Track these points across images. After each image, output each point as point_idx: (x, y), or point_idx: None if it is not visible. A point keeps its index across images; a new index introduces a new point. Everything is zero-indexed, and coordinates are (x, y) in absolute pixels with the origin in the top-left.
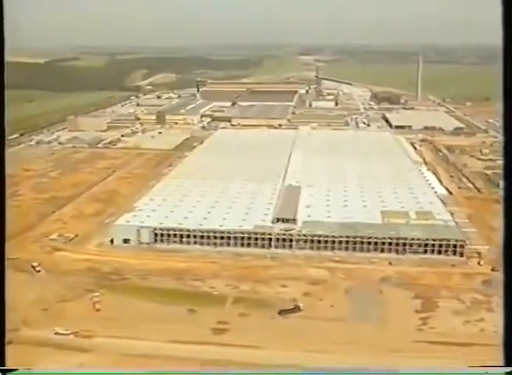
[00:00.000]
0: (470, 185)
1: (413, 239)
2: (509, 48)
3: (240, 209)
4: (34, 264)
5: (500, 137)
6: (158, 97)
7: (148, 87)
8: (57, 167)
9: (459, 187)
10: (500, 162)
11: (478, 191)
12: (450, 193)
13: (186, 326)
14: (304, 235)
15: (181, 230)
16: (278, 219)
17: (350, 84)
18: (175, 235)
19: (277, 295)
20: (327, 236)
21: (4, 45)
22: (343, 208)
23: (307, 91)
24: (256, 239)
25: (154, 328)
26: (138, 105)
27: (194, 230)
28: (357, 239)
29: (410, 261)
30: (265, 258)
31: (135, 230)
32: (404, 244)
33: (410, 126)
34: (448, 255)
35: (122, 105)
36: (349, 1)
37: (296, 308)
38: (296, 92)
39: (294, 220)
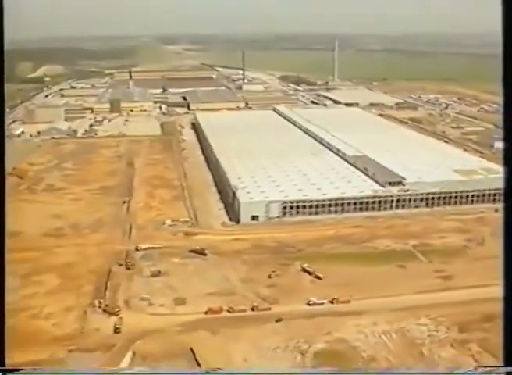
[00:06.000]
0: (467, 148)
1: None
2: (509, 46)
3: (335, 179)
4: (197, 248)
5: (438, 110)
6: (73, 87)
7: (47, 79)
8: (62, 159)
9: (465, 150)
10: (469, 129)
11: (480, 152)
12: None
13: (413, 279)
14: (421, 194)
15: (311, 200)
16: (390, 183)
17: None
18: (304, 206)
19: (449, 244)
20: (440, 193)
21: (4, 45)
22: (421, 170)
23: (216, 77)
24: (379, 202)
25: (391, 285)
26: (63, 95)
27: (323, 200)
28: (463, 193)
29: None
30: (394, 218)
31: (263, 205)
32: (501, 195)
33: (357, 103)
34: None
35: (46, 96)
36: None
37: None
38: (211, 78)
39: (401, 182)
